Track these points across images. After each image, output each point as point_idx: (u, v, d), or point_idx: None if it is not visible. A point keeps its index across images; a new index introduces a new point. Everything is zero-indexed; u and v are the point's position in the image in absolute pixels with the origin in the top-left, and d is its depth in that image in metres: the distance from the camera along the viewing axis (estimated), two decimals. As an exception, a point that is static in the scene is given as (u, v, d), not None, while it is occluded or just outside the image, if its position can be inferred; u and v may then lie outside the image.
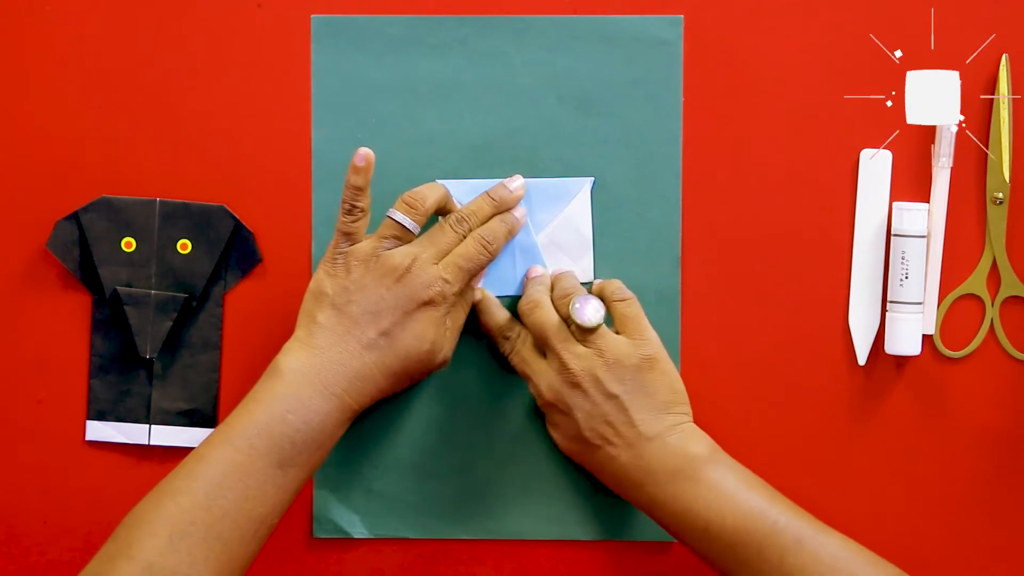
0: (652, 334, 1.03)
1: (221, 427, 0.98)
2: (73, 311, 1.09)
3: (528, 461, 1.08)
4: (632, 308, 1.03)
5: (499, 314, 1.06)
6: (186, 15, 1.07)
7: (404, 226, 1.02)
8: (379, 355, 1.01)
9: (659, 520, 1.01)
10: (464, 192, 1.07)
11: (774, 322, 1.07)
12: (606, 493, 1.07)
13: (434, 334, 1.02)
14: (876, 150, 1.07)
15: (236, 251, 1.08)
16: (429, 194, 1.03)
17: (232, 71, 1.08)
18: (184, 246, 1.08)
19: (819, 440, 1.07)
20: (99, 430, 1.09)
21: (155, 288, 1.07)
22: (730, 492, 0.99)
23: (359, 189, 1.01)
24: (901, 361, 1.07)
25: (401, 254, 1.01)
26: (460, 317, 1.05)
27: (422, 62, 1.07)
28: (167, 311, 1.07)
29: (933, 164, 1.06)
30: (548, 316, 1.03)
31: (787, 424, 1.07)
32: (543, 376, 1.03)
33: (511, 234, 1.05)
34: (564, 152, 1.07)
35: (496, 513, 1.08)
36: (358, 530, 1.08)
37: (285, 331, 1.08)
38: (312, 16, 1.07)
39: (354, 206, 1.01)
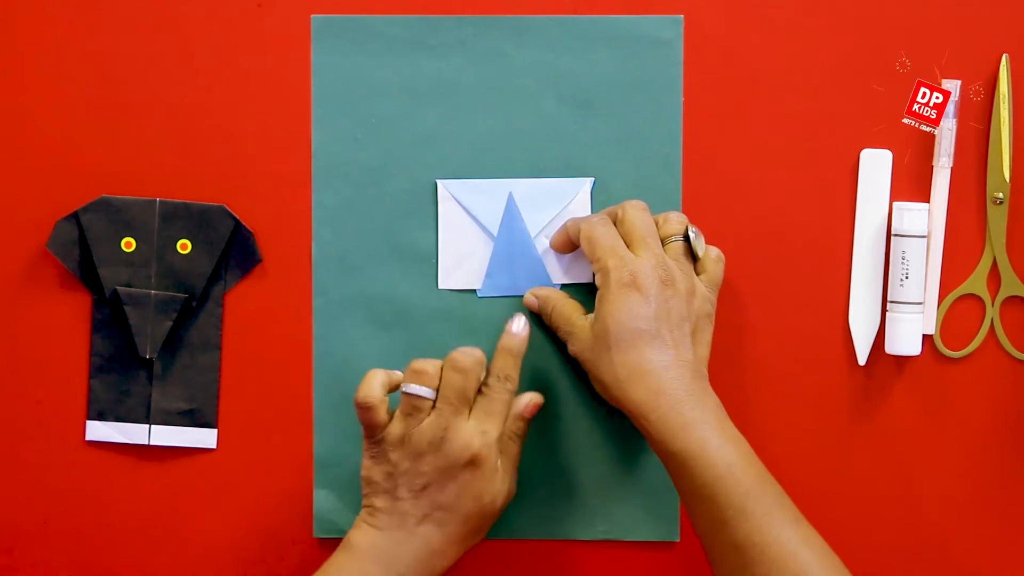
0: None
1: None
2: (73, 311, 1.09)
3: (528, 461, 1.08)
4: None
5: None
6: (186, 15, 1.07)
7: (421, 396, 1.00)
8: (438, 527, 1.00)
9: (655, 434, 0.98)
10: (464, 192, 1.07)
11: (774, 322, 1.07)
12: (606, 493, 1.07)
13: (488, 486, 1.00)
14: (876, 150, 1.07)
15: (236, 251, 1.08)
16: (427, 365, 1.01)
17: (232, 71, 1.08)
18: (184, 246, 1.08)
19: (819, 440, 1.07)
20: (99, 430, 1.09)
21: (155, 288, 1.07)
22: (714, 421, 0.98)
23: (369, 409, 1.00)
24: (901, 361, 1.07)
25: (430, 428, 0.99)
26: (512, 449, 1.03)
27: (422, 62, 1.07)
28: (167, 311, 1.07)
29: (933, 164, 1.06)
30: (648, 218, 1.02)
31: (787, 424, 1.07)
32: (633, 261, 1.00)
33: (520, 355, 1.03)
34: (564, 152, 1.07)
35: (496, 513, 1.08)
36: (358, 530, 1.08)
37: (285, 331, 1.08)
38: (312, 16, 1.07)
39: (368, 420, 1.00)
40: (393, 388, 1.02)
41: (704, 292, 1.02)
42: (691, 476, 0.96)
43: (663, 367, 0.98)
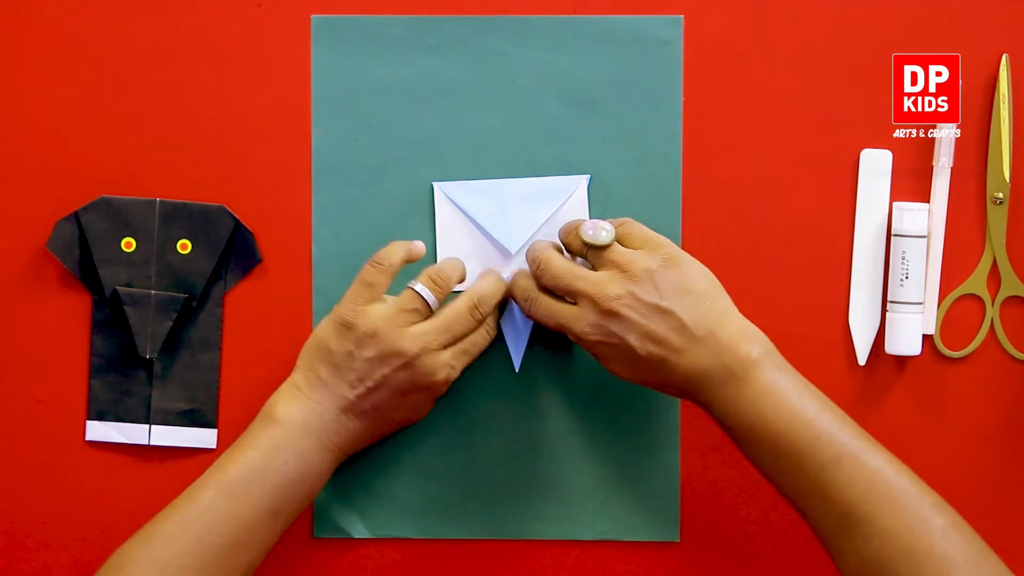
0: (662, 237, 1.00)
1: (213, 471, 0.99)
2: (73, 311, 1.09)
3: (528, 461, 1.08)
4: (632, 226, 1.02)
5: (520, 282, 1.04)
6: (186, 15, 1.07)
7: (424, 299, 1.01)
8: (369, 423, 1.02)
9: (714, 418, 0.99)
10: (464, 192, 1.07)
11: (774, 322, 1.07)
12: (606, 493, 1.07)
13: (427, 405, 1.05)
14: (876, 150, 1.07)
15: (236, 251, 1.08)
16: (453, 274, 1.03)
17: (232, 71, 1.08)
18: (184, 246, 1.08)
19: (819, 440, 1.07)
20: (99, 430, 1.09)
21: (155, 288, 1.07)
22: (779, 398, 0.97)
23: (393, 256, 1.02)
24: (901, 361, 1.07)
25: (412, 339, 1.00)
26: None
27: (422, 62, 1.07)
28: (167, 311, 1.07)
29: (933, 164, 1.06)
30: (559, 265, 1.00)
31: (787, 424, 1.07)
32: (580, 319, 0.99)
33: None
34: (564, 152, 1.07)
35: (496, 513, 1.08)
36: (358, 530, 1.08)
37: (285, 331, 1.08)
38: (312, 16, 1.07)
39: (380, 263, 1.01)
40: (411, 260, 1.03)
41: (643, 264, 0.98)
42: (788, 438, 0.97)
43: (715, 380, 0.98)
